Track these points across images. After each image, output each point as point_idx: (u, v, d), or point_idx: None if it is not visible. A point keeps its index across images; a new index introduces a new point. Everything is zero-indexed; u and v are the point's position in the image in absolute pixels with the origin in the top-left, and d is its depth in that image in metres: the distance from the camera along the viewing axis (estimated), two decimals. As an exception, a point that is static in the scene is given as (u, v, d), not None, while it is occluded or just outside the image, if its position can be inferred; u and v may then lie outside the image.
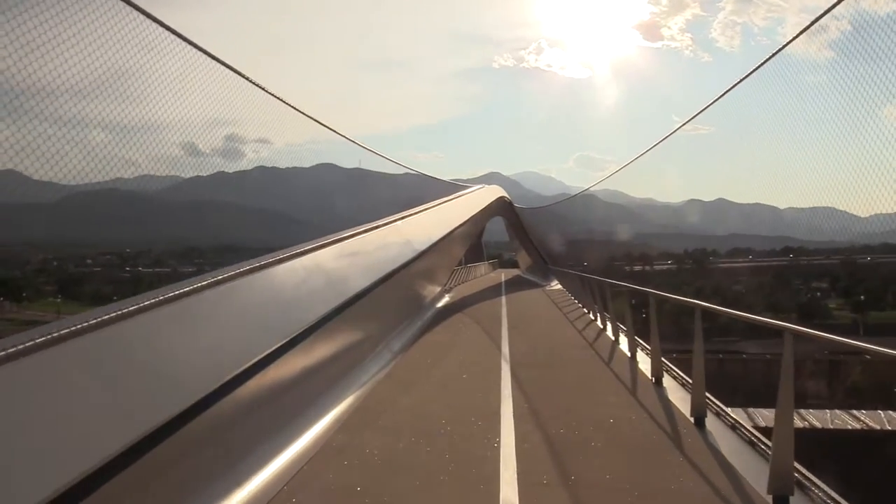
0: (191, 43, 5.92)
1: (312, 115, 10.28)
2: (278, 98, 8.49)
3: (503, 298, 22.40)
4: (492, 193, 33.03)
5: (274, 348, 5.09)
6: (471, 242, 34.52)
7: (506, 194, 38.31)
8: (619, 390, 7.28)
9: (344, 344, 7.52)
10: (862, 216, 7.65)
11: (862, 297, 37.38)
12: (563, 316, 16.35)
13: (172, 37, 5.63)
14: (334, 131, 11.98)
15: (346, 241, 9.58)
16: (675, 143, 16.48)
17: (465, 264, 39.02)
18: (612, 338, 10.97)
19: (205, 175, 6.58)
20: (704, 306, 6.01)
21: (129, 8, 4.85)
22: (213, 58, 6.36)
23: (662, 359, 7.48)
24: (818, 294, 40.15)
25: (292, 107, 9.19)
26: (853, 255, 29.30)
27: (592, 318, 14.17)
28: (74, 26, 4.13)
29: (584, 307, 16.79)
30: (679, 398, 6.57)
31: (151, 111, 5.40)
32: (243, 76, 7.17)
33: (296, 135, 9.69)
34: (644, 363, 8.49)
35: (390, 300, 11.04)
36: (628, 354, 9.23)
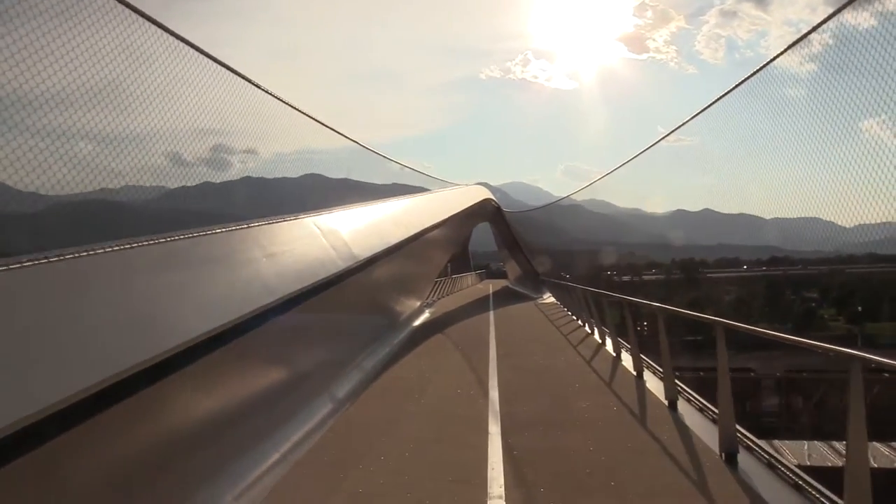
0: (183, 39, 5.96)
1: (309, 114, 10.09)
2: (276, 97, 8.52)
3: (491, 314, 20.33)
4: (477, 193, 29.60)
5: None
6: (455, 250, 33.44)
7: (492, 197, 36.41)
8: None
9: (246, 396, 5.11)
10: (846, 226, 7.72)
11: (859, 307, 37.33)
12: (563, 337, 14.23)
13: (164, 35, 5.70)
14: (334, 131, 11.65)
15: (249, 230, 6.24)
16: (661, 154, 16.61)
17: (451, 275, 38.06)
18: (613, 354, 10.44)
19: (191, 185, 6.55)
20: (728, 324, 5.45)
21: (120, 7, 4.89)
22: (205, 53, 6.43)
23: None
24: (813, 304, 40.22)
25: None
26: (840, 265, 29.54)
27: (598, 340, 12.49)
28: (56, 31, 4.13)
29: (583, 323, 15.20)
30: (698, 425, 5.92)
31: (141, 117, 5.41)
32: (240, 74, 7.31)
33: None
34: (650, 381, 8.02)
35: (338, 320, 8.61)
36: (633, 374, 8.64)
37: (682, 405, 6.81)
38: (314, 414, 6.36)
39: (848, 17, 7.14)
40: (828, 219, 7.62)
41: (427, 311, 19.96)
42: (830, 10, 7.50)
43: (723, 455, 4.98)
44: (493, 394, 7.94)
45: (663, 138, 16.21)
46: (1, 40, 3.64)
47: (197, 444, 4.19)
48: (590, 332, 13.95)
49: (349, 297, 8.98)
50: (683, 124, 13.45)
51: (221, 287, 4.97)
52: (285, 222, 7.39)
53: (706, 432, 5.66)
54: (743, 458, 4.92)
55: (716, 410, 5.63)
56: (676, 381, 7.08)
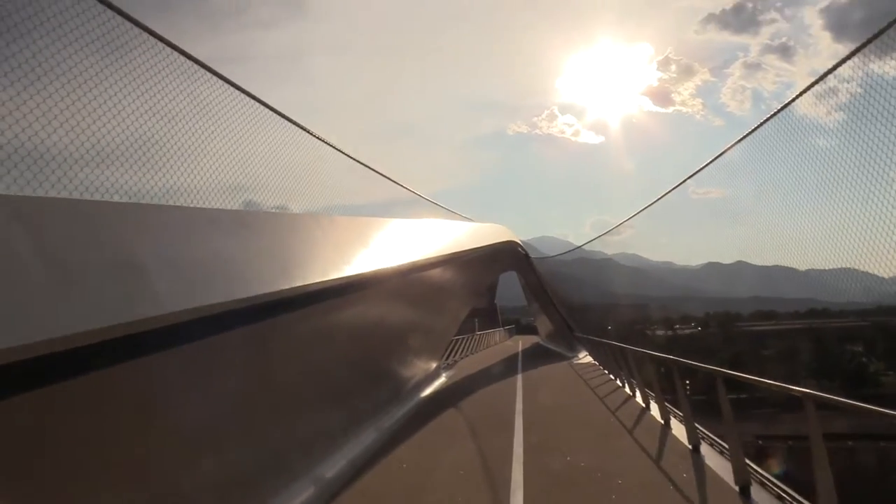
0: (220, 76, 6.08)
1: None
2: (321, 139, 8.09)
3: (519, 380, 17.29)
4: (501, 232, 24.44)
5: None
6: (479, 301, 31.22)
7: (517, 240, 31.76)
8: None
9: None
10: (884, 276, 7.56)
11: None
12: (611, 413, 11.21)
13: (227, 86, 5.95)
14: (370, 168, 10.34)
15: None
16: (691, 206, 16.60)
17: (476, 331, 36.38)
18: (689, 446, 7.89)
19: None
20: (821, 397, 4.59)
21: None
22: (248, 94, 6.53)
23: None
24: (863, 359, 38.36)
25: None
26: (881, 316, 28.58)
27: (660, 420, 9.93)
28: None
29: (632, 392, 12.99)
30: None
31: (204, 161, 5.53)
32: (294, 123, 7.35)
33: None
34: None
35: (311, 388, 6.51)
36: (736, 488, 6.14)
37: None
38: None
39: (874, 66, 7.19)
40: (864, 269, 7.48)
41: (444, 374, 17.47)
42: (854, 62, 7.57)
43: None
44: None
45: (675, 188, 16.29)
46: (32, 99, 3.78)
47: None
48: (644, 405, 11.52)
49: (321, 351, 6.75)
50: (700, 170, 13.51)
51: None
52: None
53: None
54: None
55: None
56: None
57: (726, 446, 7.11)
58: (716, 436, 8.13)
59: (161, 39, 4.94)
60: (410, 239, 10.39)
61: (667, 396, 10.58)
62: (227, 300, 4.22)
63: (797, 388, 5.04)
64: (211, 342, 4.16)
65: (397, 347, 11.23)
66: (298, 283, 5.41)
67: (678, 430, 9.00)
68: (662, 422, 9.72)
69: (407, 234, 10.41)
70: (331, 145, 8.63)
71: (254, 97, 6.44)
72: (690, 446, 7.86)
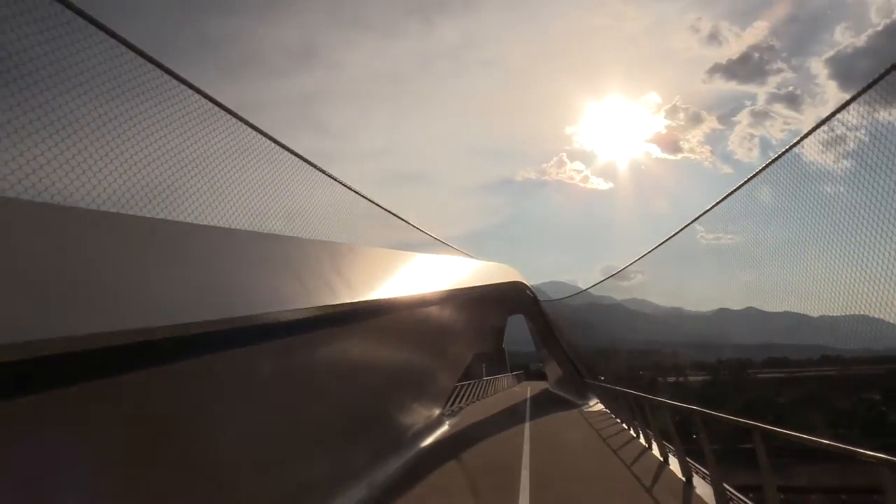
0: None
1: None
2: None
3: (527, 430, 16.24)
4: (506, 273, 23.31)
5: None
6: (485, 345, 30.56)
7: (525, 281, 31.36)
8: None
9: None
10: (896, 323, 7.51)
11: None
12: (627, 468, 10.35)
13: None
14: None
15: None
16: (701, 251, 16.63)
17: (483, 376, 35.85)
18: None
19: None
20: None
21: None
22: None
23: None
24: (883, 409, 37.35)
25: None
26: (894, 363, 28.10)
27: (681, 476, 9.21)
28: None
29: (647, 444, 12.38)
30: None
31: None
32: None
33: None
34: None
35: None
36: None
37: None
38: None
39: (882, 114, 7.30)
40: (876, 315, 7.43)
41: (447, 422, 16.46)
42: (861, 110, 7.69)
43: None
44: None
45: (684, 228, 16.41)
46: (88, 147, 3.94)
47: None
48: (662, 458, 10.86)
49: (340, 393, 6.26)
50: (706, 212, 13.70)
51: None
52: None
53: None
54: None
55: None
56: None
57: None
58: (740, 488, 7.61)
59: (183, 81, 5.12)
60: (413, 270, 9.63)
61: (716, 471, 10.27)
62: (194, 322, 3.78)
63: (871, 454, 4.38)
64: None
65: (396, 391, 10.32)
66: (275, 308, 4.62)
67: (702, 488, 8.44)
68: (684, 479, 9.07)
69: (410, 265, 9.69)
70: (346, 185, 8.86)
71: (278, 142, 6.66)
72: None
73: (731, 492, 7.47)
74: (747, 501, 7.32)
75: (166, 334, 3.46)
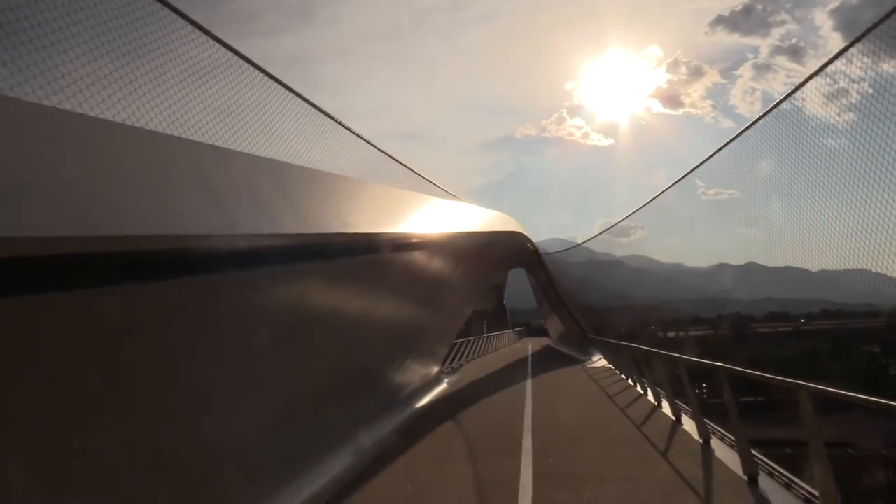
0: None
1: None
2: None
3: (529, 386, 15.65)
4: (504, 222, 21.21)
5: None
6: (486, 302, 30.18)
7: (525, 232, 29.09)
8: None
9: None
10: (896, 277, 7.46)
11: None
12: (636, 429, 9.88)
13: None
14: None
15: None
16: (702, 206, 16.55)
17: (484, 333, 36.03)
18: (744, 477, 6.60)
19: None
20: None
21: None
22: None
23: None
24: (884, 361, 37.54)
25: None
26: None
27: (698, 438, 8.65)
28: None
29: (657, 402, 11.87)
30: None
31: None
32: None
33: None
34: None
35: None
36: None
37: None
38: None
39: (886, 66, 7.12)
40: (876, 270, 7.37)
41: (446, 380, 15.86)
42: (866, 62, 7.50)
43: None
44: None
45: (682, 178, 16.39)
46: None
47: None
48: (674, 418, 10.31)
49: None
50: (704, 162, 13.59)
51: None
52: None
53: None
54: None
55: None
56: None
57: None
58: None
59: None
60: (411, 209, 8.87)
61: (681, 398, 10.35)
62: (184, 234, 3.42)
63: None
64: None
65: (389, 345, 9.37)
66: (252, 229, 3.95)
67: (722, 451, 7.87)
68: (701, 440, 8.51)
69: (407, 204, 8.95)
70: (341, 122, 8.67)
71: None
72: (746, 477, 6.58)
73: (758, 457, 6.89)
74: (776, 467, 6.66)
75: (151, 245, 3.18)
